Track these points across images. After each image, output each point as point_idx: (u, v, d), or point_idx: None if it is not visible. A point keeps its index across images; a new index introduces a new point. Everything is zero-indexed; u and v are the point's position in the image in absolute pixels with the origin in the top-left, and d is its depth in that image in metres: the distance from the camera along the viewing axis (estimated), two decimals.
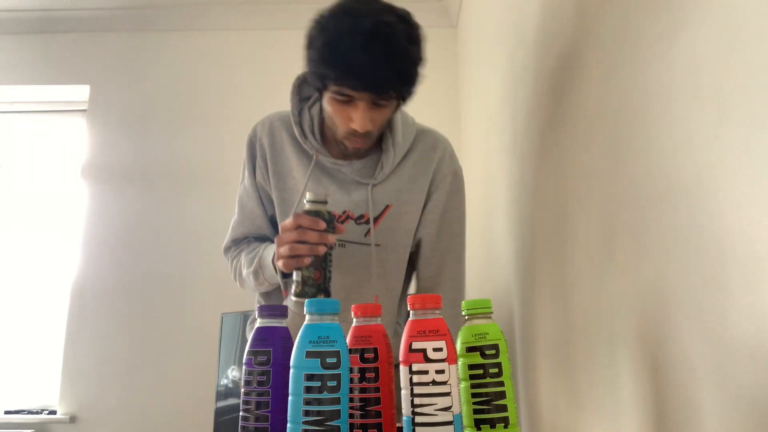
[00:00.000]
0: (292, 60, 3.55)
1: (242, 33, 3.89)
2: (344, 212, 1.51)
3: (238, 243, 1.68)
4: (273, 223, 1.63)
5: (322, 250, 1.28)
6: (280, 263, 1.33)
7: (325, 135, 1.56)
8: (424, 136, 1.60)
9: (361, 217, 1.51)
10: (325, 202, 1.33)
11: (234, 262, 1.65)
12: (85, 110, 3.88)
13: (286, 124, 1.59)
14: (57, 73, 3.88)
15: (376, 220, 1.51)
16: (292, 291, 1.32)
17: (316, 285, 1.30)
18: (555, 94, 1.46)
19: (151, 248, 3.58)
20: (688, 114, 0.81)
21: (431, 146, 1.58)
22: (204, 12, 3.86)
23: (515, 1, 1.94)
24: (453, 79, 3.78)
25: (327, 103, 1.42)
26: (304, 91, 1.59)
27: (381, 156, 1.54)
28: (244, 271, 1.57)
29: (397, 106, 1.46)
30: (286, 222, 1.32)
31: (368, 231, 1.51)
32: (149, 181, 3.68)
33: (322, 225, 1.29)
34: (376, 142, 1.55)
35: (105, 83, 3.85)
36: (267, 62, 3.79)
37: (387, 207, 1.53)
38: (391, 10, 1.33)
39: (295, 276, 1.32)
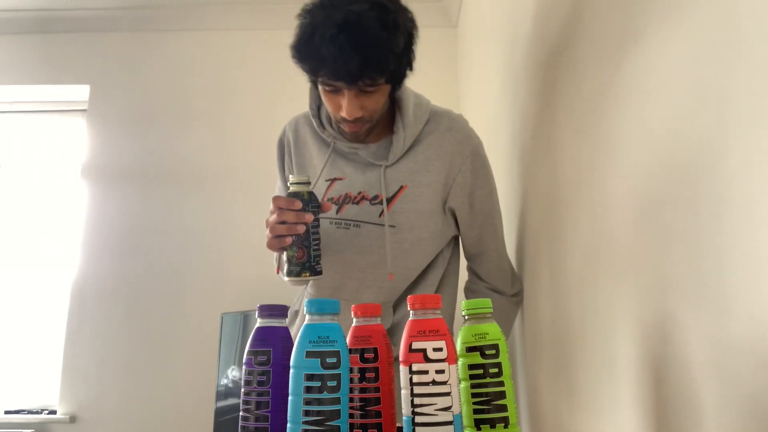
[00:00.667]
0: None
1: (244, 33, 3.89)
2: (359, 193, 1.57)
3: None
4: None
5: (300, 228, 1.33)
6: (267, 245, 1.40)
7: None
8: (438, 117, 1.62)
9: (376, 197, 1.55)
10: (307, 183, 1.38)
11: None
12: (85, 110, 3.89)
13: (308, 120, 1.69)
14: (57, 72, 3.88)
15: (390, 200, 1.55)
16: (284, 272, 1.38)
17: (300, 263, 1.35)
18: (554, 93, 1.46)
19: (152, 248, 3.59)
20: (688, 110, 0.81)
21: (447, 127, 1.60)
22: (205, 11, 3.87)
23: (515, 0, 1.94)
24: (453, 78, 3.78)
25: (321, 93, 1.48)
26: None
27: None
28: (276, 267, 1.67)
29: (393, 89, 1.51)
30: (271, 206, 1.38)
31: (382, 212, 1.54)
32: (149, 182, 3.68)
33: (298, 204, 1.34)
34: (390, 126, 1.60)
35: (105, 83, 3.86)
36: (269, 62, 3.80)
37: (401, 188, 1.56)
38: None
39: (284, 257, 1.38)
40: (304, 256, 1.35)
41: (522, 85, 1.83)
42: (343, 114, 1.43)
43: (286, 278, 1.37)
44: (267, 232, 1.38)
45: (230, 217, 3.57)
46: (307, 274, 1.35)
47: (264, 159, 3.72)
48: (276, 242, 1.36)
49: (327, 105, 1.49)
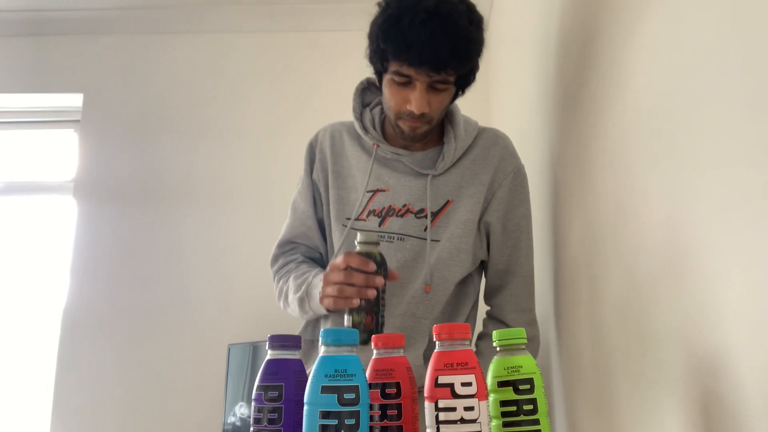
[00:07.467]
0: (305, 64, 3.56)
1: (251, 36, 3.89)
2: (404, 206, 1.67)
3: (284, 251, 1.83)
4: (321, 229, 1.80)
5: (371, 293, 1.38)
6: (325, 302, 1.47)
7: (385, 130, 1.77)
8: (485, 133, 1.77)
9: (422, 210, 1.66)
10: (376, 243, 1.42)
11: (280, 282, 1.78)
12: (78, 121, 3.90)
13: (347, 127, 1.83)
14: (46, 80, 3.90)
15: (436, 215, 1.66)
16: None
17: (368, 330, 1.38)
18: (594, 98, 1.47)
19: (151, 273, 3.60)
20: (748, 120, 0.82)
21: (492, 142, 1.74)
22: (210, 12, 3.88)
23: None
24: (483, 83, 3.77)
25: (385, 86, 1.62)
26: (367, 97, 1.82)
27: (443, 148, 1.71)
28: (290, 296, 1.70)
29: (455, 95, 1.68)
30: (335, 260, 1.43)
31: (427, 226, 1.65)
32: (149, 200, 3.69)
33: (372, 267, 1.38)
34: (438, 137, 1.73)
35: (100, 91, 3.87)
36: (278, 67, 3.81)
37: (448, 202, 1.67)
38: None
39: (345, 320, 1.40)
40: (373, 323, 1.39)
41: (560, 89, 1.84)
42: (411, 107, 1.56)
43: None
44: (328, 289, 1.43)
45: (238, 239, 3.58)
46: None
47: (277, 175, 3.75)
48: (342, 303, 1.40)
49: (391, 98, 1.61)
